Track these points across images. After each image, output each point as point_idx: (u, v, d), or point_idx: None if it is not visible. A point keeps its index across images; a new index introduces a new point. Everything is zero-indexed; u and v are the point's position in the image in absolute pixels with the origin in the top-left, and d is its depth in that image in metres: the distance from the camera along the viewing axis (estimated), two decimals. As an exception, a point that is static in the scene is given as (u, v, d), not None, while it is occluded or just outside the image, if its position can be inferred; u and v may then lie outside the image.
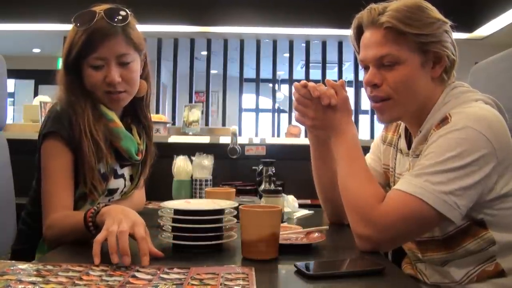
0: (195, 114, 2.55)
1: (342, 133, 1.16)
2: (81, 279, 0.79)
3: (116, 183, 1.39)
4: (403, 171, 1.25)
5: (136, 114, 1.47)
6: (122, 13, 1.29)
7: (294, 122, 5.53)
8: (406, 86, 1.14)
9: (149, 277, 0.82)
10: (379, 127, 1.48)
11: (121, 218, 0.96)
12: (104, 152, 1.29)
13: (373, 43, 1.14)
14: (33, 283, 0.76)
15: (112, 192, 1.39)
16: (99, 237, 0.92)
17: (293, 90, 1.20)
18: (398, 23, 1.10)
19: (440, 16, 1.14)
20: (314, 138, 1.33)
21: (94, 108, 1.31)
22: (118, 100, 1.34)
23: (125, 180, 1.43)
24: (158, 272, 0.85)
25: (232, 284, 0.78)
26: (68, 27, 1.31)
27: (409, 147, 1.24)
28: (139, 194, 1.58)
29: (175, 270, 0.86)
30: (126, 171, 1.44)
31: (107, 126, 1.33)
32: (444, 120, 1.09)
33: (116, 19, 1.28)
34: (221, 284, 0.78)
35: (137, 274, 0.83)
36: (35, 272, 0.82)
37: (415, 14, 1.11)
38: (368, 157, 1.41)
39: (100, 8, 1.29)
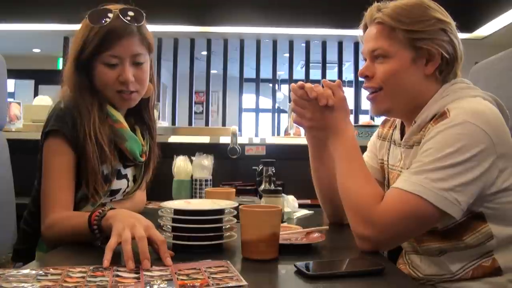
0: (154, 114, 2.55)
1: (340, 133, 1.16)
2: (65, 281, 0.77)
3: (119, 184, 1.39)
4: (396, 162, 1.27)
5: (141, 115, 1.47)
6: (137, 13, 1.29)
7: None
8: (395, 79, 1.17)
9: (134, 275, 0.81)
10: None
11: (133, 223, 0.95)
12: (107, 155, 1.28)
13: (369, 37, 1.20)
14: None
15: (114, 192, 1.39)
16: (111, 243, 0.91)
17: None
18: (389, 19, 1.15)
19: (439, 15, 1.15)
20: (312, 139, 1.33)
21: (100, 109, 1.30)
22: (129, 100, 1.34)
23: (128, 180, 1.43)
24: (139, 269, 0.84)
25: (219, 276, 0.79)
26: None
27: (402, 138, 1.24)
28: (140, 195, 1.58)
29: (155, 267, 0.86)
30: (129, 172, 1.44)
31: (112, 127, 1.33)
32: (443, 115, 1.09)
33: (132, 19, 1.27)
34: (209, 277, 0.79)
35: (119, 273, 0.82)
36: (12, 278, 0.79)
37: (409, 11, 1.14)
38: (365, 155, 1.41)
39: (113, 7, 1.29)
